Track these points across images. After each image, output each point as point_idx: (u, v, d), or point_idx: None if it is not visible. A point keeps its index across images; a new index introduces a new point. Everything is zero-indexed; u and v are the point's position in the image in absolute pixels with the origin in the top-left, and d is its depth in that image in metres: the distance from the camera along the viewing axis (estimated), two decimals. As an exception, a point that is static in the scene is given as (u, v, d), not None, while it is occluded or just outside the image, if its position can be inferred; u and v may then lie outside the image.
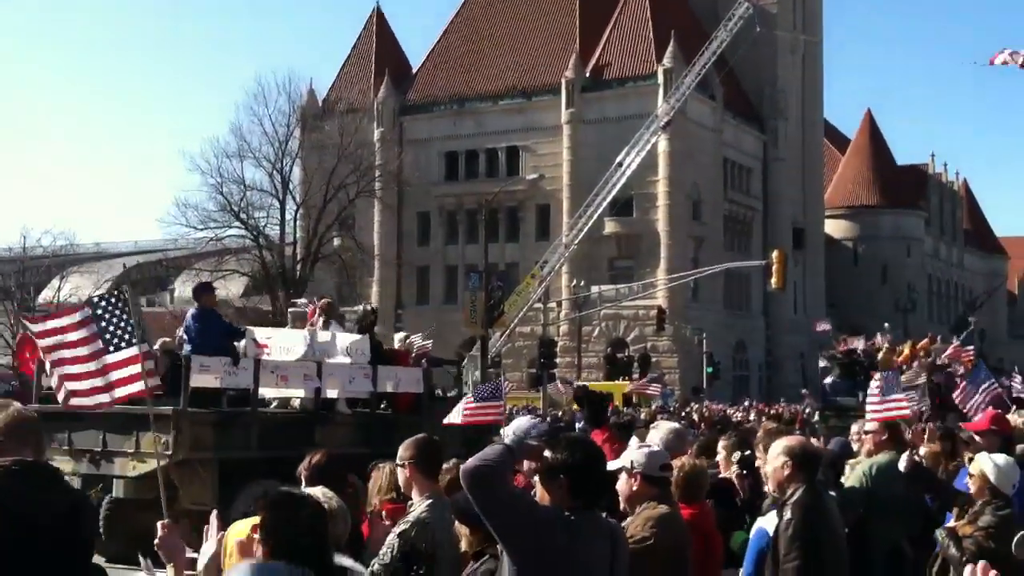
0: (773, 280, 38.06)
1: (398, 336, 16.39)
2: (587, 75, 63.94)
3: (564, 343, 54.42)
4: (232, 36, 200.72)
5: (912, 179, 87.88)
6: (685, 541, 5.04)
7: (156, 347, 13.44)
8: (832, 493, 7.83)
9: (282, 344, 13.13)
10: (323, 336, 13.22)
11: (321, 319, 13.91)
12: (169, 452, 11.48)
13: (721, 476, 7.19)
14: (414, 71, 71.79)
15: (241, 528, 4.65)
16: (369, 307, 16.24)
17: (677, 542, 4.95)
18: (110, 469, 12.12)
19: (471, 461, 3.94)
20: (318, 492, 4.48)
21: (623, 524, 4.84)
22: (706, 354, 51.87)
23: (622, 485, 5.12)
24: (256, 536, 3.46)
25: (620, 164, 51.72)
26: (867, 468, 7.65)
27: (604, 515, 4.24)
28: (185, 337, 12.83)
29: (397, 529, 5.22)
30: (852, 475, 7.82)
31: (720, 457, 7.45)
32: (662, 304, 52.38)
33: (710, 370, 51.66)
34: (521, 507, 3.90)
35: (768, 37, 65.60)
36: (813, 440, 10.07)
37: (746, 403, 43.54)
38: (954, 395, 13.31)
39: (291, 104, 54.63)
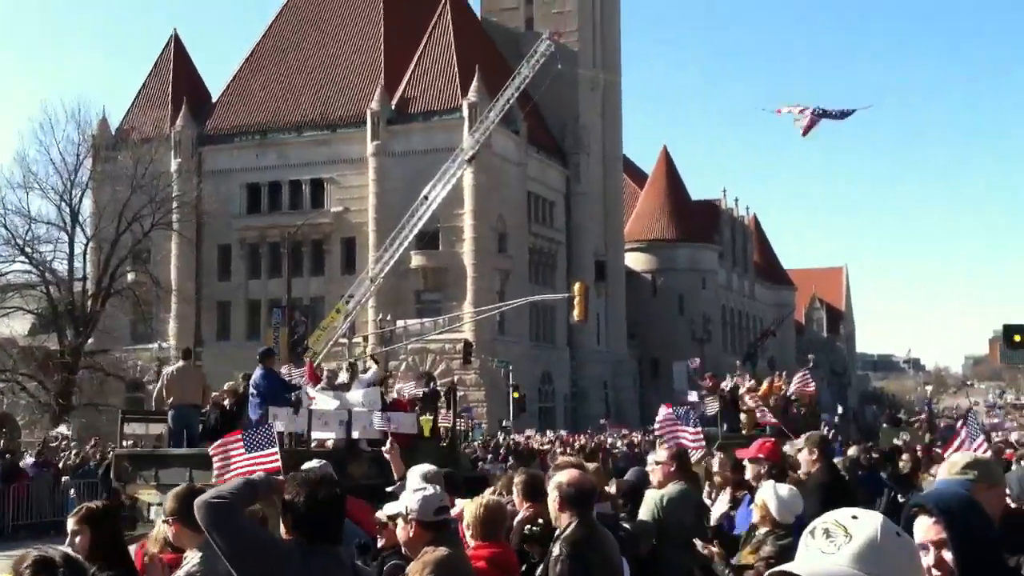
0: (575, 312, 38.70)
1: (396, 388, 20.30)
2: (392, 108, 63.88)
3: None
4: (21, 63, 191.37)
5: (706, 213, 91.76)
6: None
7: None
8: (626, 525, 7.84)
9: (323, 398, 17.00)
10: (350, 392, 17.38)
11: (347, 375, 18.66)
12: None
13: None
14: (214, 100, 70.01)
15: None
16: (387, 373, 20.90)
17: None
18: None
19: (206, 495, 4.06)
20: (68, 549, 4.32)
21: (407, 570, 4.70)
22: (512, 386, 52.26)
23: (400, 531, 5.01)
24: None
25: (426, 197, 51.70)
26: (658, 499, 7.69)
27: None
28: (254, 391, 16.38)
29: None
30: (644, 506, 7.85)
31: (515, 494, 7.31)
32: (469, 337, 52.50)
33: (516, 397, 52.02)
34: (254, 542, 3.99)
35: (570, 74, 67.26)
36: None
37: (550, 434, 44.11)
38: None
39: (81, 133, 52.17)
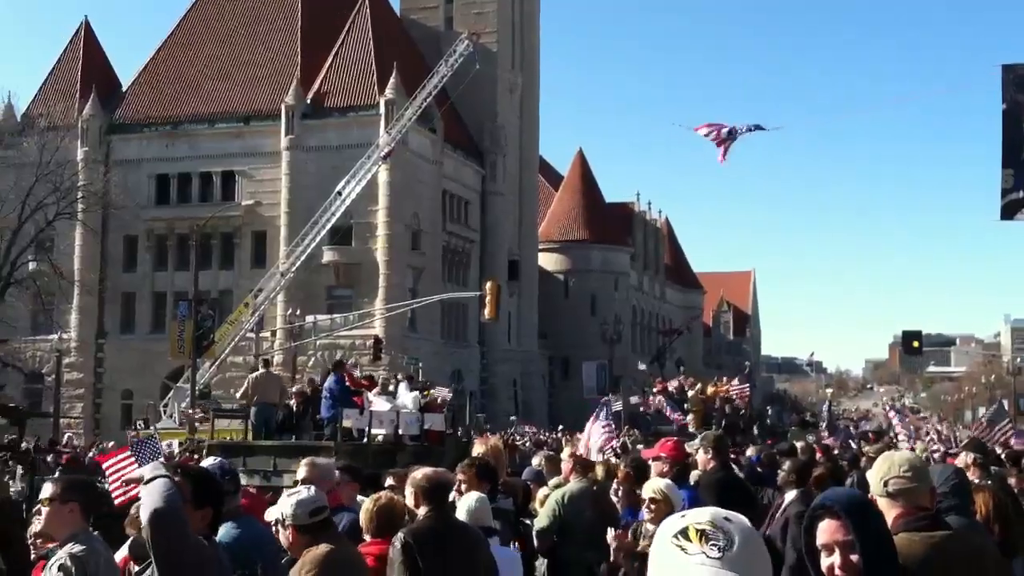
0: (486, 311, 38.86)
1: (433, 392, 24.51)
2: (308, 102, 63.21)
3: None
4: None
5: (619, 216, 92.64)
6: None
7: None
8: (527, 521, 7.99)
9: (379, 401, 21.11)
10: (399, 396, 21.44)
11: (402, 384, 22.52)
12: None
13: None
14: (124, 89, 68.51)
15: None
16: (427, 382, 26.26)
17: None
18: (279, 482, 17.16)
19: (157, 506, 4.02)
20: None
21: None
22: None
23: (281, 537, 5.02)
24: None
25: (340, 193, 51.33)
26: (559, 496, 7.83)
27: None
28: (327, 395, 20.55)
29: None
30: (546, 504, 7.98)
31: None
32: (379, 334, 52.25)
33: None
34: (196, 546, 4.10)
35: (488, 75, 67.30)
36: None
37: (459, 431, 44.07)
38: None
39: (-17, 119, 50.70)
